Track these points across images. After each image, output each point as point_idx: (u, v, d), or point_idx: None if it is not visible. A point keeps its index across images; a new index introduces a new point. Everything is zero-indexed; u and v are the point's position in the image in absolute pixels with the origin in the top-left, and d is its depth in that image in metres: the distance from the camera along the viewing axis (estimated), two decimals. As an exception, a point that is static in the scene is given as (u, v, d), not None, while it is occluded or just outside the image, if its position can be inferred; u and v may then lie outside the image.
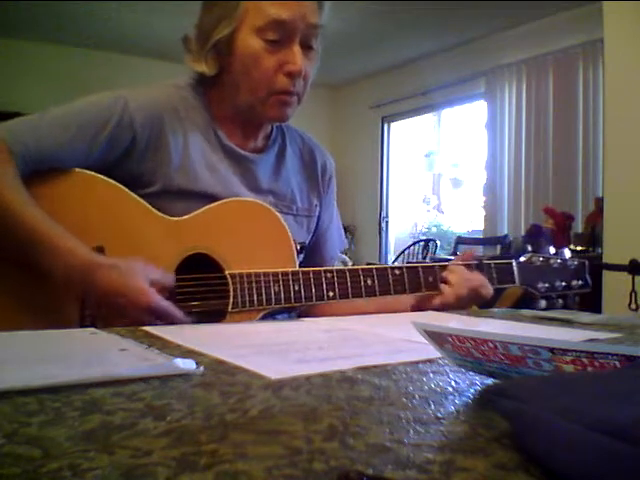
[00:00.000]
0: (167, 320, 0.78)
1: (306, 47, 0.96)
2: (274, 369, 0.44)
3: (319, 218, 1.14)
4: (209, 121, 1.00)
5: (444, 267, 1.00)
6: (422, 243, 5.53)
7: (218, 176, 0.98)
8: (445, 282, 0.97)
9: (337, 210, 1.22)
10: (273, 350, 0.56)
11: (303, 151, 1.14)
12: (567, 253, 1.10)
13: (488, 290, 0.98)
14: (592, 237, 3.33)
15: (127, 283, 0.77)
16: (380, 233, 6.21)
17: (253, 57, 0.93)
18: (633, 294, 1.19)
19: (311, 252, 1.14)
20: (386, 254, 6.20)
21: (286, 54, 0.93)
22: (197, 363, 0.45)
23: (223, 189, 0.97)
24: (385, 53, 5.51)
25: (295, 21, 0.92)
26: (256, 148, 1.05)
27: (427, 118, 6.27)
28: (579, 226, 3.92)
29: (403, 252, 5.55)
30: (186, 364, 0.44)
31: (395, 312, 0.99)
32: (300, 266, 1.09)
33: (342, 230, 1.23)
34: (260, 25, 0.92)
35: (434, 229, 6.59)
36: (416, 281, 0.97)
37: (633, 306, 1.19)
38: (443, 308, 0.96)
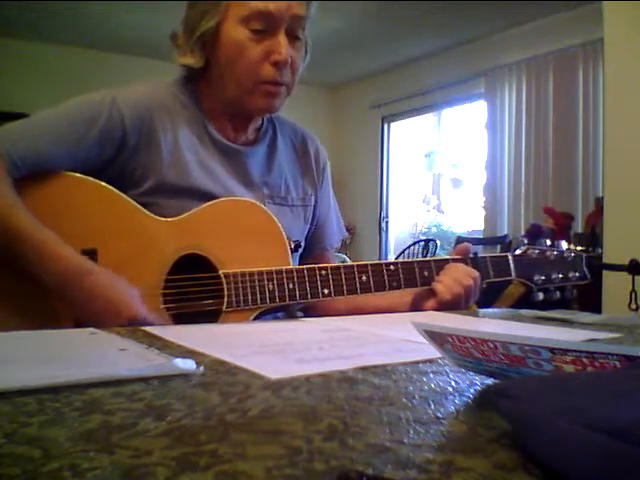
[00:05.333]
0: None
1: (292, 37, 0.96)
2: (274, 369, 0.44)
3: (317, 208, 1.14)
4: (199, 116, 1.00)
5: (439, 262, 1.00)
6: (422, 243, 5.53)
7: (210, 171, 0.97)
8: (439, 284, 0.97)
9: (335, 200, 1.22)
10: (273, 350, 0.56)
11: (295, 141, 1.13)
12: (564, 245, 1.09)
13: (480, 285, 0.99)
14: (592, 237, 3.33)
15: (112, 293, 0.77)
16: (380, 233, 6.21)
17: (238, 47, 0.93)
18: (633, 294, 1.19)
19: (311, 243, 1.14)
20: (386, 254, 6.20)
21: (271, 44, 0.93)
22: (197, 363, 0.45)
23: (215, 184, 0.97)
24: (385, 53, 5.51)
25: (280, 12, 0.92)
26: (247, 141, 1.05)
27: (427, 118, 6.27)
28: (579, 226, 3.92)
29: (403, 252, 5.54)
30: (186, 364, 0.44)
31: (393, 310, 0.99)
32: (301, 257, 1.08)
33: (341, 219, 1.23)
34: (245, 15, 0.92)
35: (434, 229, 6.59)
36: (411, 276, 0.97)
37: (633, 306, 1.18)
38: (440, 308, 0.96)
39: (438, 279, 0.98)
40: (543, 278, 1.05)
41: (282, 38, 0.93)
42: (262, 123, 1.09)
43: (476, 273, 0.99)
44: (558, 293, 1.05)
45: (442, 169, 6.57)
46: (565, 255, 1.08)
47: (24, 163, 0.86)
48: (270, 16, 0.92)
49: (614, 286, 2.38)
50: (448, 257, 1.03)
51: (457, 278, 0.97)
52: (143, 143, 0.93)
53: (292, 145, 1.13)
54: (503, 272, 1.04)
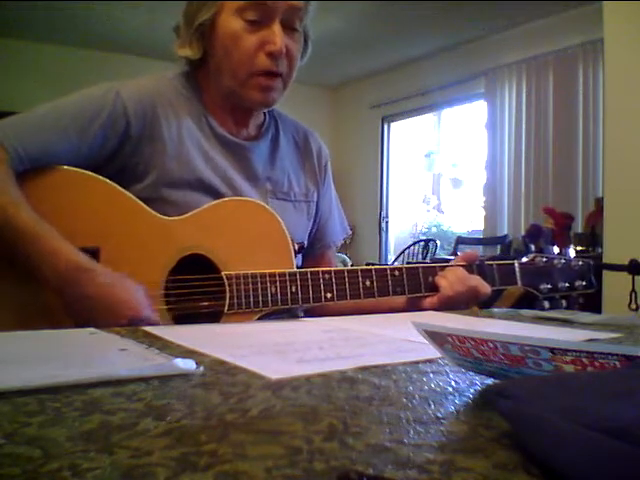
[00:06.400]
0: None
1: (289, 28, 0.95)
2: (274, 369, 0.44)
3: (319, 206, 1.14)
4: (201, 110, 1.00)
5: (444, 268, 1.00)
6: (422, 243, 5.53)
7: (213, 164, 0.97)
8: (443, 279, 0.97)
9: (337, 197, 1.21)
10: (273, 350, 0.56)
11: (298, 138, 1.13)
12: (572, 253, 1.09)
13: (486, 289, 0.98)
14: (592, 237, 3.33)
15: (114, 291, 0.76)
16: (380, 233, 6.21)
17: (233, 37, 0.93)
18: (633, 294, 1.18)
19: (314, 241, 1.14)
20: (386, 254, 6.20)
21: (266, 34, 0.93)
22: (197, 363, 0.45)
23: (218, 177, 0.97)
24: (385, 53, 5.51)
25: (275, 2, 0.92)
26: (249, 136, 1.05)
27: (427, 118, 6.27)
28: (579, 226, 3.92)
29: (403, 252, 5.54)
30: (186, 364, 0.44)
31: (390, 307, 0.99)
32: (304, 254, 1.08)
33: (344, 217, 1.22)
34: (240, 5, 0.92)
35: (434, 229, 6.59)
36: (415, 282, 0.96)
37: (633, 306, 1.18)
38: (440, 304, 0.96)
39: (442, 274, 0.97)
40: (549, 287, 1.04)
41: (277, 28, 0.93)
42: (264, 119, 1.09)
43: (472, 283, 0.97)
44: (564, 302, 1.05)
45: (442, 169, 6.57)
46: (572, 264, 1.07)
47: (28, 157, 0.85)
48: (265, 6, 0.92)
49: (614, 286, 2.37)
50: (454, 264, 1.02)
51: (461, 277, 0.96)
52: (146, 136, 0.93)
53: (294, 142, 1.12)
54: (509, 280, 1.03)
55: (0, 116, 0.90)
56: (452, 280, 0.96)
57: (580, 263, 1.07)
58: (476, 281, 0.97)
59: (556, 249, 1.08)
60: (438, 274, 0.98)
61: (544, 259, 1.06)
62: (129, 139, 0.92)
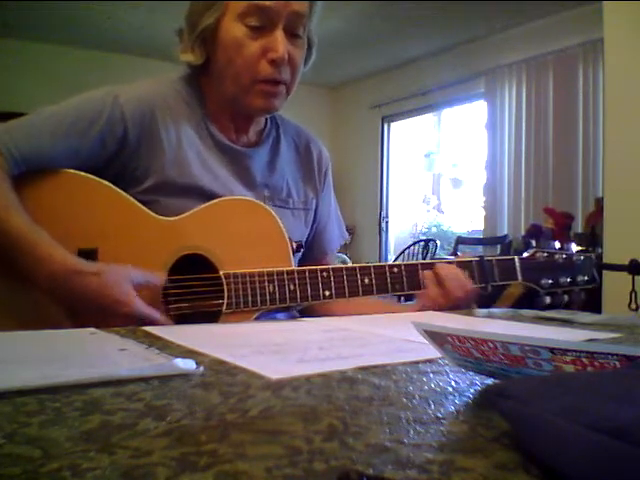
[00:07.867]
0: (151, 324, 0.77)
1: (292, 35, 0.94)
2: (274, 369, 0.44)
3: (317, 212, 1.13)
4: (201, 116, 0.99)
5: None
6: (422, 243, 5.53)
7: (211, 170, 0.97)
8: (426, 293, 0.96)
9: (336, 202, 1.21)
10: (273, 350, 0.56)
11: (298, 144, 1.12)
12: (573, 248, 1.07)
13: (474, 290, 0.98)
14: (592, 237, 3.33)
15: (106, 292, 0.76)
16: (380, 233, 6.21)
17: (235, 44, 0.92)
18: (633, 294, 1.18)
19: (312, 247, 1.13)
20: (386, 254, 6.20)
21: (268, 41, 0.92)
22: (197, 363, 0.45)
23: (217, 185, 0.96)
24: (385, 53, 5.51)
25: (277, 7, 0.91)
26: (249, 142, 1.04)
27: (427, 118, 6.27)
28: (579, 226, 3.92)
29: (403, 252, 5.54)
30: (186, 364, 0.44)
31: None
32: (301, 260, 1.08)
33: (342, 222, 1.22)
34: (242, 11, 0.91)
35: (434, 229, 6.60)
36: (414, 279, 0.96)
37: (633, 306, 1.18)
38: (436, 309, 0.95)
39: (429, 287, 0.95)
40: (550, 282, 1.02)
41: (279, 34, 0.91)
42: (265, 125, 1.08)
43: (470, 286, 0.97)
44: (565, 297, 1.03)
45: (442, 169, 6.57)
46: (574, 258, 1.05)
47: (25, 160, 0.85)
48: (267, 12, 0.91)
49: (614, 286, 2.37)
50: (452, 260, 1.02)
51: (449, 289, 0.94)
52: (145, 141, 0.92)
53: (295, 148, 1.11)
54: (509, 275, 1.02)
55: (0, 116, 0.89)
56: (434, 296, 0.94)
57: (582, 258, 1.06)
58: (462, 294, 0.95)
59: (557, 244, 1.07)
60: (426, 285, 0.96)
61: (545, 254, 1.05)
62: (127, 144, 0.91)
